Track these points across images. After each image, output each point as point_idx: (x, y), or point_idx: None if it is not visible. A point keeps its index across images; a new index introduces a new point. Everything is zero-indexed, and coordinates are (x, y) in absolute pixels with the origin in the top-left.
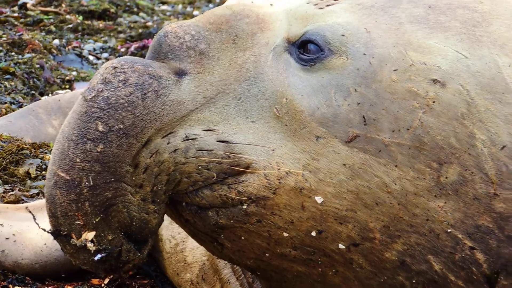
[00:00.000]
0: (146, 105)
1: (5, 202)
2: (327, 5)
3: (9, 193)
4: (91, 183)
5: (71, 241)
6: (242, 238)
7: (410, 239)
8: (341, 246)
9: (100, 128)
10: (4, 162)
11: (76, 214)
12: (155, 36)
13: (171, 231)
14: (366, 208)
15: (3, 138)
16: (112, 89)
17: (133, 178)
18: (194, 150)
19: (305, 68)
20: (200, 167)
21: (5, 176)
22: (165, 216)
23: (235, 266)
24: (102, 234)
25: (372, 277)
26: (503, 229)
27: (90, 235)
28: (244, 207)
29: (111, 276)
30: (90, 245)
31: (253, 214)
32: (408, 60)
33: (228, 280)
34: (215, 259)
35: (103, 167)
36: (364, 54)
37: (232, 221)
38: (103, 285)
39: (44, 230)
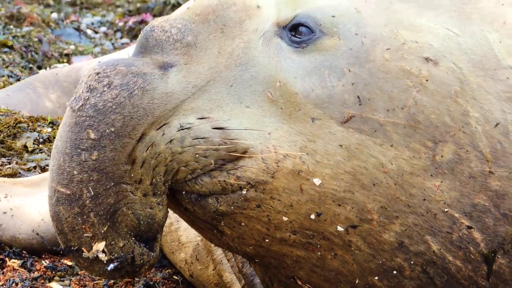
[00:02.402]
0: (134, 103)
1: (2, 175)
2: None
3: (6, 166)
4: (92, 193)
5: (83, 255)
6: (242, 224)
7: (407, 219)
8: (339, 228)
9: (92, 135)
10: (2, 135)
11: (83, 227)
12: (142, 31)
13: None
14: (364, 189)
15: (1, 111)
16: (98, 95)
17: (132, 175)
18: (190, 138)
19: (297, 51)
20: (197, 155)
21: (3, 149)
22: None
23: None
24: (113, 242)
25: (370, 260)
26: (499, 207)
27: (100, 245)
28: (244, 192)
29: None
30: (102, 256)
31: (252, 199)
32: (400, 38)
33: (221, 261)
34: None
35: (101, 174)
36: (356, 34)
37: (232, 207)
38: None
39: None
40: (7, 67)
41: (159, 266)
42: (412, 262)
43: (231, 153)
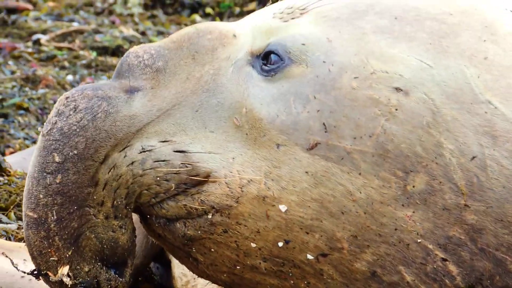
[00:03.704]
0: (96, 126)
1: (19, 239)
2: (292, 18)
3: (23, 230)
4: (56, 217)
5: (50, 279)
6: (212, 250)
7: (379, 249)
8: (309, 256)
9: (57, 159)
10: (18, 198)
11: (49, 250)
12: None
13: (182, 269)
14: (332, 217)
15: (17, 175)
16: (65, 119)
17: (94, 198)
18: (151, 161)
19: (267, 79)
20: (158, 178)
21: (19, 213)
22: None
23: None
24: (78, 267)
25: None
26: (475, 242)
27: (65, 269)
28: (209, 216)
29: None
30: (66, 280)
31: (218, 224)
32: (369, 68)
33: None
34: None
35: (64, 198)
36: (324, 62)
37: (199, 232)
38: None
39: (24, 272)
40: (22, 129)
41: None
42: None
43: (192, 177)
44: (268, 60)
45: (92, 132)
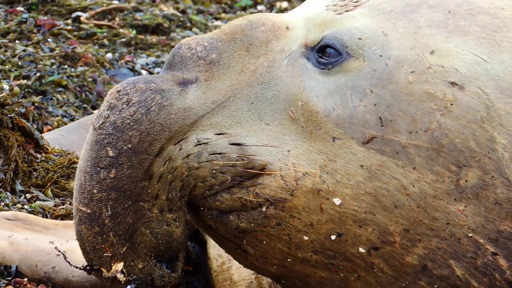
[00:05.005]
0: (150, 119)
1: (56, 216)
2: (346, 11)
3: (60, 207)
4: (111, 212)
5: (103, 275)
6: (264, 242)
7: (430, 243)
8: (361, 249)
9: (110, 153)
10: (55, 175)
11: (103, 246)
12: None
13: (217, 250)
14: (385, 211)
15: (55, 152)
16: (117, 112)
17: (149, 191)
18: (207, 154)
19: (323, 72)
20: (214, 171)
21: (56, 190)
22: None
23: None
24: (132, 264)
25: (393, 282)
26: None
27: (119, 266)
28: (263, 209)
29: None
30: (120, 276)
31: (272, 216)
32: (426, 62)
33: None
34: (261, 277)
35: (119, 193)
36: (381, 56)
37: (252, 225)
38: None
39: (77, 267)
40: (61, 106)
41: None
42: (436, 286)
43: (248, 170)
44: (324, 53)
45: (146, 126)
